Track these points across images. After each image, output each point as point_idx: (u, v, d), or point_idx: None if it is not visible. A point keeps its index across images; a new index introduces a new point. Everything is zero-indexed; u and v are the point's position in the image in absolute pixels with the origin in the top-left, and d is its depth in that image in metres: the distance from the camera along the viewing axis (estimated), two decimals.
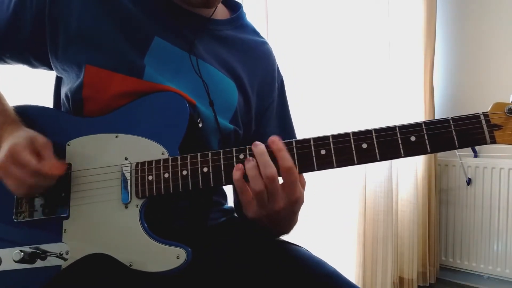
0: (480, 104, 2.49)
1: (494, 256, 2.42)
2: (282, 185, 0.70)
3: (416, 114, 2.47)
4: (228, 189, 1.01)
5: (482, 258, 2.46)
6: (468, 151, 2.49)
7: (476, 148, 2.48)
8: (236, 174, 0.69)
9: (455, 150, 2.44)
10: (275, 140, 0.70)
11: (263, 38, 1.01)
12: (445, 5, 2.68)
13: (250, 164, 0.69)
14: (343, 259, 2.13)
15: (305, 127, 1.80)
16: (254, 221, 0.75)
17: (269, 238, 0.84)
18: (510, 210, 2.35)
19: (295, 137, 0.87)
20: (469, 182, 2.49)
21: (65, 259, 0.76)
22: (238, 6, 0.99)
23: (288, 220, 0.77)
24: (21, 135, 0.77)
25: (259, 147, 0.70)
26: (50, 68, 0.89)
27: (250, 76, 0.93)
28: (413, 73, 2.48)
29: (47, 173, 0.73)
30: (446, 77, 2.71)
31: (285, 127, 1.00)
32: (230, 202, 1.01)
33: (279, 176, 0.69)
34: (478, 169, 2.47)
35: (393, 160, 2.24)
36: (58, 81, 0.92)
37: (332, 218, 2.10)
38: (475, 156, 2.50)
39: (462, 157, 2.51)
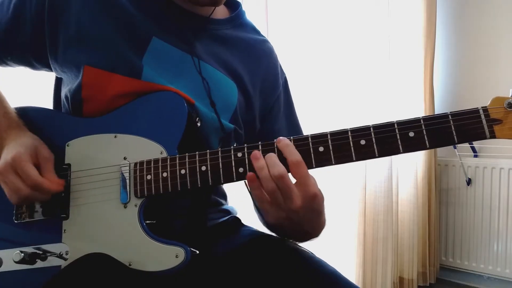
0: (480, 103, 2.46)
1: (494, 256, 2.41)
2: (295, 183, 0.69)
3: (416, 113, 2.46)
4: (229, 189, 1.00)
5: (482, 258, 2.46)
6: (468, 151, 2.49)
7: (476, 148, 2.48)
8: (252, 184, 0.69)
9: (455, 150, 2.45)
10: (281, 138, 0.70)
11: (263, 36, 1.01)
12: (445, 5, 2.68)
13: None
14: (343, 259, 2.13)
15: (305, 126, 1.79)
16: (278, 228, 0.74)
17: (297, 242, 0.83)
18: (510, 210, 2.34)
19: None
20: (469, 182, 2.48)
21: (65, 259, 0.76)
22: (237, 5, 0.98)
23: (311, 220, 0.75)
24: (25, 144, 0.77)
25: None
26: (52, 70, 0.89)
27: (251, 75, 0.92)
28: (413, 72, 2.47)
29: (46, 189, 0.75)
30: (446, 76, 2.71)
31: (292, 124, 1.01)
32: (230, 202, 1.01)
33: (289, 172, 0.69)
34: (478, 169, 2.46)
35: (393, 160, 2.24)
36: (58, 82, 0.92)
37: (332, 218, 2.09)
38: (475, 156, 2.49)
39: (462, 157, 2.50)
